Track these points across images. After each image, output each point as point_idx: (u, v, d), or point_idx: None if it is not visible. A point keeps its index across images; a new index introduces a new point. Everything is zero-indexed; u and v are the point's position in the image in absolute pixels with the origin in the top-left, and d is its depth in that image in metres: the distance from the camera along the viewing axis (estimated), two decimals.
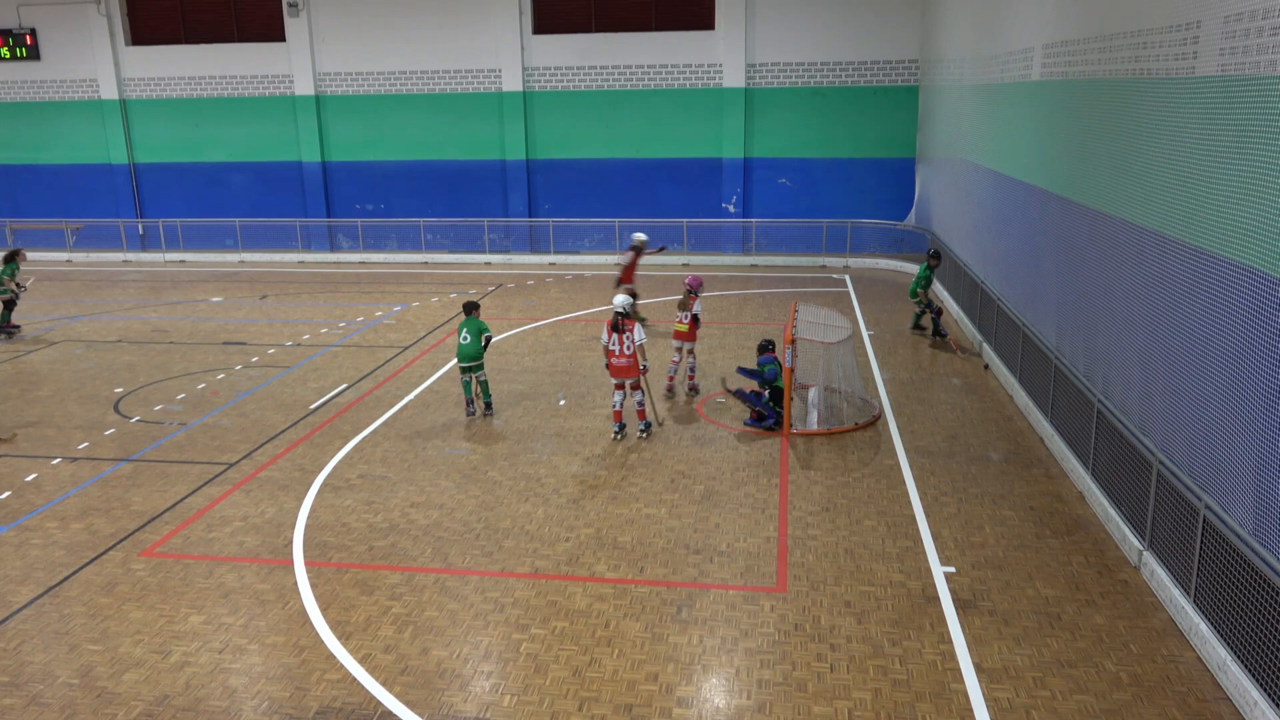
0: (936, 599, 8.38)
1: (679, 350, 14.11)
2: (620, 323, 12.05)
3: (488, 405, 13.30)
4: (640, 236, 18.03)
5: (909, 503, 10.28)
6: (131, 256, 27.99)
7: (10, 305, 18.71)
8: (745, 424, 12.63)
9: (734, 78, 25.25)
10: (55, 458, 12.13)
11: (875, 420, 12.79)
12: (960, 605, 8.26)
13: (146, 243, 28.75)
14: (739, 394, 12.86)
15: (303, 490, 10.91)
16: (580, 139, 26.27)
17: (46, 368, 16.29)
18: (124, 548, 9.63)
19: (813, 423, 12.56)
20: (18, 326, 18.76)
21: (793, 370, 12.25)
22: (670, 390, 14.02)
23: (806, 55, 25.05)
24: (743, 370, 13.17)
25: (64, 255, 28.38)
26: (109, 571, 9.15)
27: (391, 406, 13.81)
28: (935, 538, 9.48)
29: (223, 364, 16.15)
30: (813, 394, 13.33)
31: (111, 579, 9.01)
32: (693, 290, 14.03)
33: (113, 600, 8.65)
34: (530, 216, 26.81)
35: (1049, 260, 12.17)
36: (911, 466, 11.27)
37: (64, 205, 29.17)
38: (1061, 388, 11.30)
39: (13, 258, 19.02)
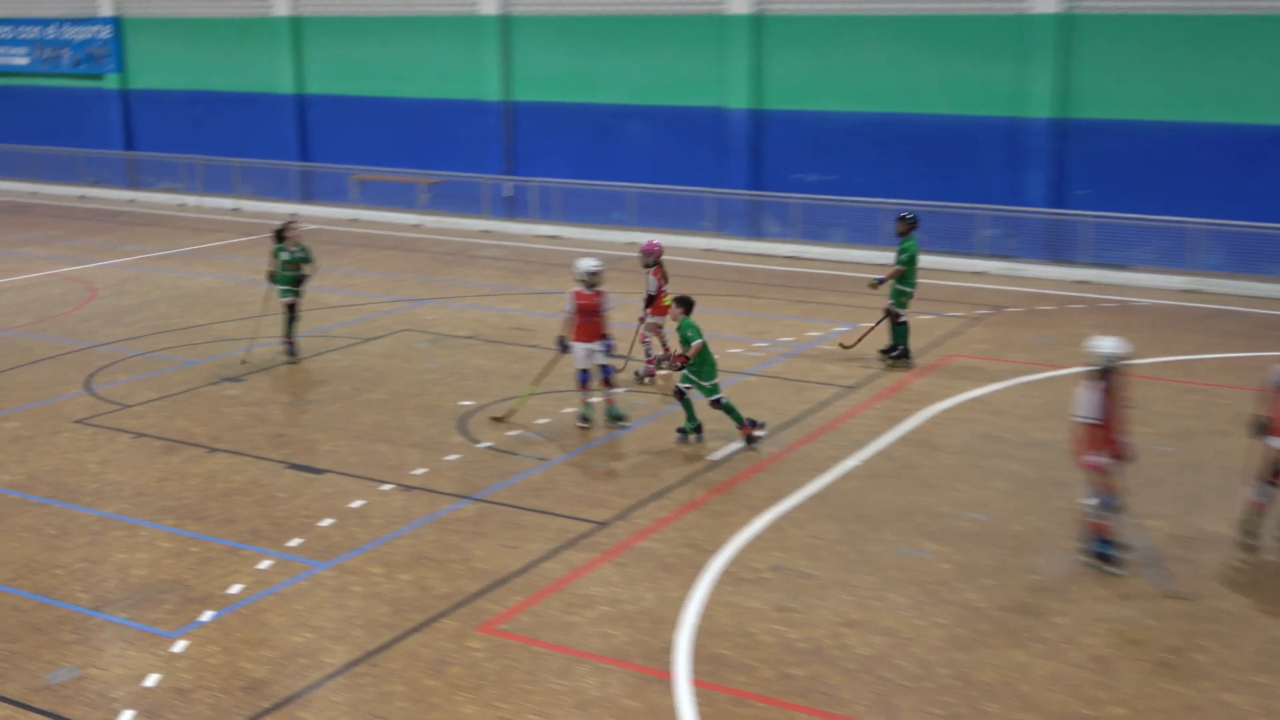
0: None
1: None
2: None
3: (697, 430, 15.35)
4: None
5: None
6: (493, 226, 31.36)
7: (294, 310, 18.96)
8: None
9: None
10: (386, 483, 13.89)
11: None
12: None
13: (514, 208, 32.09)
14: None
15: (693, 574, 11.49)
16: (1157, 88, 25.16)
17: (383, 364, 18.75)
18: (460, 616, 10.76)
19: None
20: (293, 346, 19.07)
21: None
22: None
23: None
24: None
25: (412, 218, 32.57)
26: (439, 645, 10.27)
27: (824, 472, 14.15)
28: None
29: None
30: None
31: (442, 655, 10.11)
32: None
33: (442, 684, 9.70)
34: (1058, 207, 26.17)
35: None
36: None
37: (420, 154, 33.46)
38: None
39: (282, 233, 19.02)
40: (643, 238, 29.20)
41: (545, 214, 31.39)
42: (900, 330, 18.63)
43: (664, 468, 14.38)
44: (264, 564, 11.80)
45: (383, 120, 34.07)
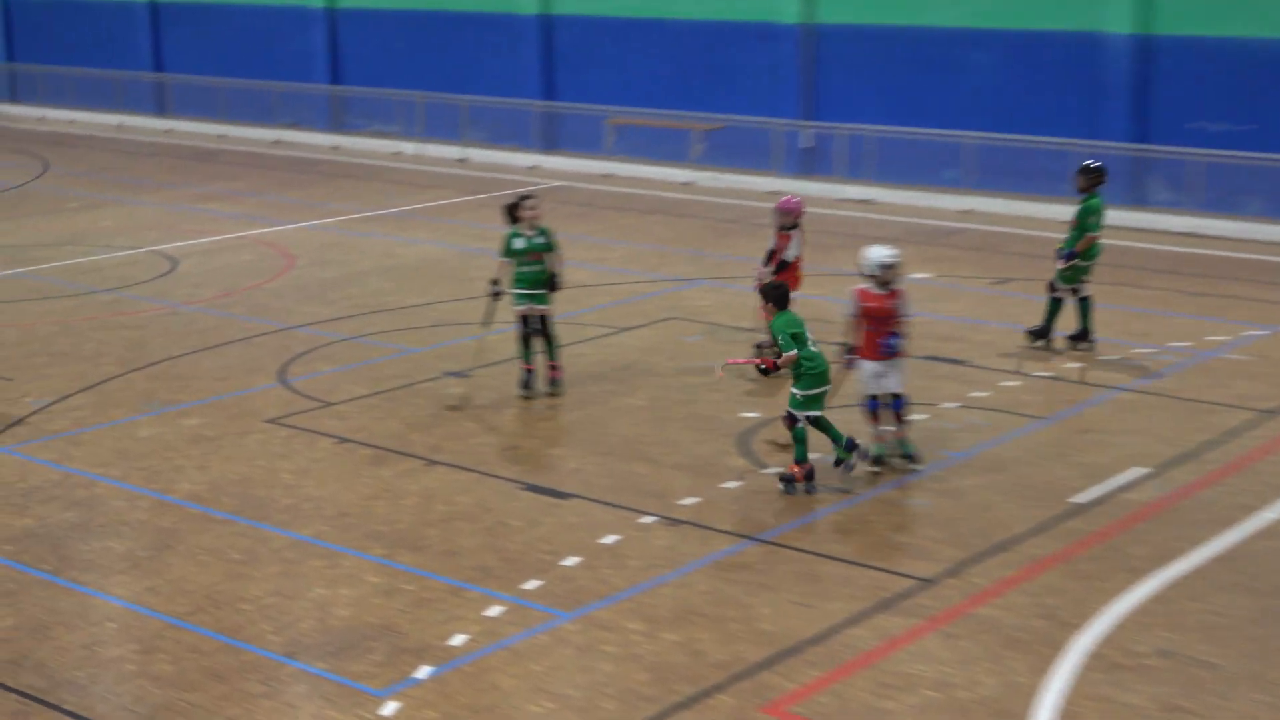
0: None
1: None
2: None
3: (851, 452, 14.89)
4: None
5: None
6: (786, 185, 31.28)
7: (542, 325, 17.75)
8: None
9: None
10: (647, 514, 13.99)
11: None
12: None
13: (814, 163, 31.98)
14: None
15: (1050, 655, 11.17)
16: None
17: (644, 361, 18.98)
18: (739, 691, 10.68)
19: None
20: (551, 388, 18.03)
21: None
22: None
23: None
24: None
25: (682, 175, 32.90)
26: None
27: (1232, 526, 13.68)
28: None
29: (927, 392, 17.25)
30: None
31: None
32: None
33: None
34: None
35: None
36: None
37: (694, 92, 33.69)
38: None
39: (515, 212, 17.90)
40: (982, 203, 29.00)
41: (854, 172, 31.26)
42: (1056, 306, 19.37)
43: (1010, 510, 14.05)
44: (493, 610, 11.99)
45: (647, 48, 34.49)
